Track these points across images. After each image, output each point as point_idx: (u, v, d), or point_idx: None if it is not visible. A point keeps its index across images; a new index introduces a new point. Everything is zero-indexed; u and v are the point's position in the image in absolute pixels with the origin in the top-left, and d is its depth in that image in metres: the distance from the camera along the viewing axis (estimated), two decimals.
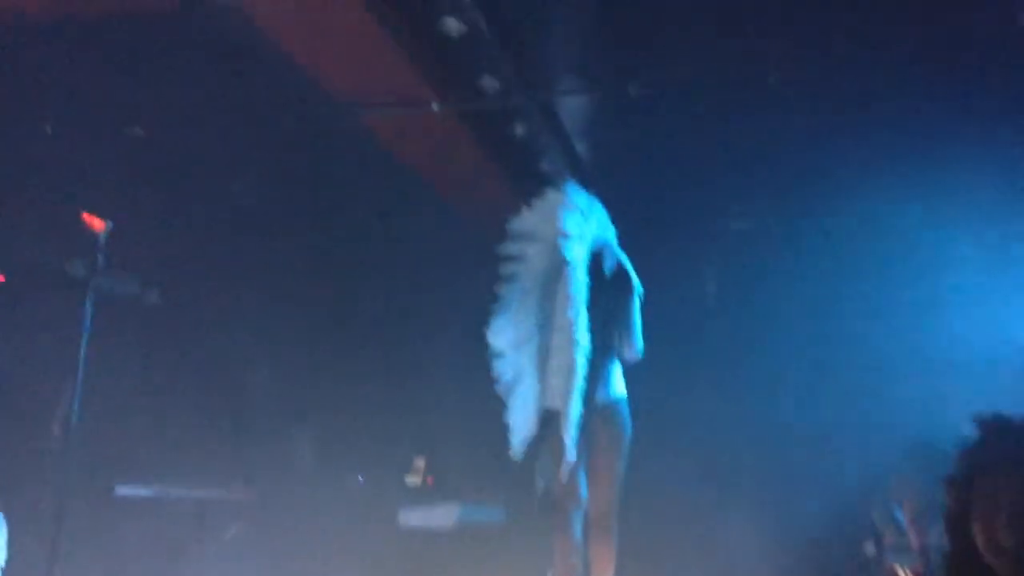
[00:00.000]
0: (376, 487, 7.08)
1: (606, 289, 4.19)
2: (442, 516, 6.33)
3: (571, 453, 4.03)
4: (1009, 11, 3.92)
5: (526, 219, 4.26)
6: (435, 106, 5.15)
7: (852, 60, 4.78)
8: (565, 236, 4.12)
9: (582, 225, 4.21)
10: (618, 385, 4.26)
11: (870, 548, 5.47)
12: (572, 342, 4.01)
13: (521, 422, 4.16)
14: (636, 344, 4.21)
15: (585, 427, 4.04)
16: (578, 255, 4.15)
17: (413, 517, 6.43)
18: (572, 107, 5.88)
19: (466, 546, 6.31)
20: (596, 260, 4.26)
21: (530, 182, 6.46)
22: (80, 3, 4.61)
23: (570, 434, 4.03)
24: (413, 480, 7.47)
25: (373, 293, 7.82)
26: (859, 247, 6.96)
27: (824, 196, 6.56)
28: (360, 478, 7.14)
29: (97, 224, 4.11)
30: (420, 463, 7.54)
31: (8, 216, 5.91)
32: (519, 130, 5.84)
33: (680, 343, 7.34)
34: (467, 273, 7.12)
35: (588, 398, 4.05)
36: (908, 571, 4.98)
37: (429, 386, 7.35)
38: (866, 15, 4.37)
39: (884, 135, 5.56)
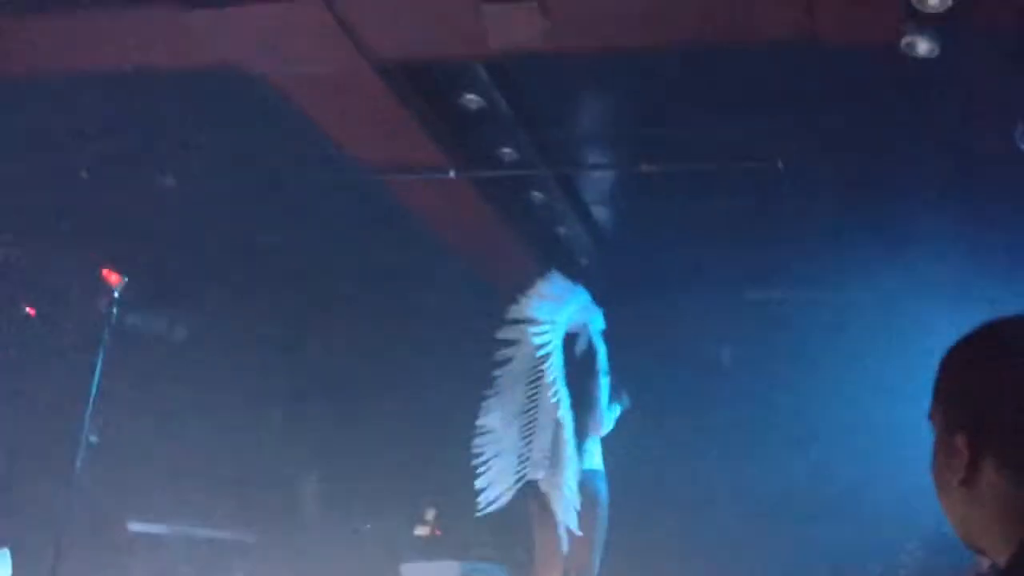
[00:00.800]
0: (382, 537, 7.17)
1: (575, 371, 4.54)
2: (444, 572, 6.40)
3: (571, 520, 4.26)
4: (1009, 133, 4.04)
5: (520, 307, 4.55)
6: (452, 173, 5.31)
7: (857, 148, 4.88)
8: (535, 324, 4.49)
9: (555, 312, 4.53)
10: (592, 458, 4.53)
11: None
12: (557, 421, 4.26)
13: (496, 491, 4.47)
14: (600, 422, 4.56)
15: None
16: (549, 341, 4.46)
17: (416, 572, 6.50)
18: (588, 178, 6.02)
19: None
20: (569, 343, 4.53)
21: (547, 247, 6.62)
22: (118, 59, 4.82)
23: (564, 503, 4.27)
24: (422, 531, 7.56)
25: (392, 345, 7.96)
26: (874, 322, 6.97)
27: (835, 272, 6.62)
28: (368, 526, 7.24)
29: (114, 279, 4.29)
30: (430, 515, 7.63)
31: (40, 254, 6.14)
32: (536, 198, 5.98)
33: (694, 411, 7.42)
34: (483, 331, 7.26)
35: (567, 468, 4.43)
36: None
37: (441, 440, 7.44)
38: (871, 112, 4.47)
39: (889, 216, 5.64)
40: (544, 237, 6.59)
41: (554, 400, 4.40)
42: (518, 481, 4.48)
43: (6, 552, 4.78)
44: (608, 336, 7.47)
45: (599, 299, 7.59)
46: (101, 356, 4.28)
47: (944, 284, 6.11)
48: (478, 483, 4.51)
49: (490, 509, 4.50)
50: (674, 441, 7.53)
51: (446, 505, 7.53)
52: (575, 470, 4.39)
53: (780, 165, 4.88)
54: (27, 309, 6.13)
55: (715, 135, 5.05)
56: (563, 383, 4.46)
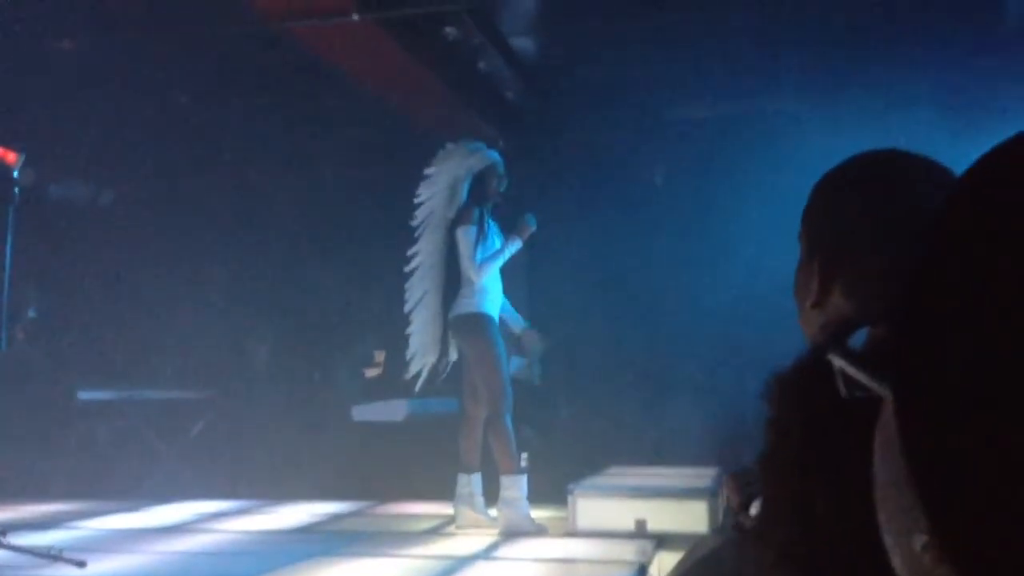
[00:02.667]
0: (333, 383, 7.35)
1: (451, 229, 4.81)
2: (392, 410, 6.61)
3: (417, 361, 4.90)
4: None
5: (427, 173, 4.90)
6: (356, 16, 5.14)
7: None
8: (420, 200, 4.88)
9: (431, 187, 4.86)
10: (462, 304, 4.75)
11: None
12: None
13: (419, 361, 4.92)
14: (470, 268, 4.71)
15: (447, 341, 4.86)
16: (422, 222, 4.86)
17: (366, 412, 6.72)
18: (499, 9, 5.86)
19: (419, 436, 6.60)
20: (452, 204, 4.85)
21: (471, 84, 6.52)
22: None
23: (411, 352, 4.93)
24: (372, 373, 7.75)
25: (330, 194, 7.94)
26: (798, 132, 6.99)
27: (760, 85, 6.60)
28: (316, 374, 7.41)
29: (11, 157, 4.18)
30: (379, 357, 7.80)
31: None
32: (450, 33, 5.82)
33: (629, 230, 7.57)
34: (419, 173, 7.24)
35: (442, 317, 4.83)
36: None
37: (387, 285, 7.54)
38: None
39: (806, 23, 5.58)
40: (466, 75, 6.47)
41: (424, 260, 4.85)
42: (435, 344, 4.86)
43: None
44: (529, 170, 7.54)
45: (530, 130, 7.63)
46: (10, 236, 4.21)
47: (872, 89, 6.14)
48: (407, 353, 4.93)
49: (421, 378, 4.92)
50: (615, 256, 7.74)
51: (396, 346, 7.70)
52: (427, 322, 4.82)
53: None
54: None
55: None
56: (439, 247, 4.81)
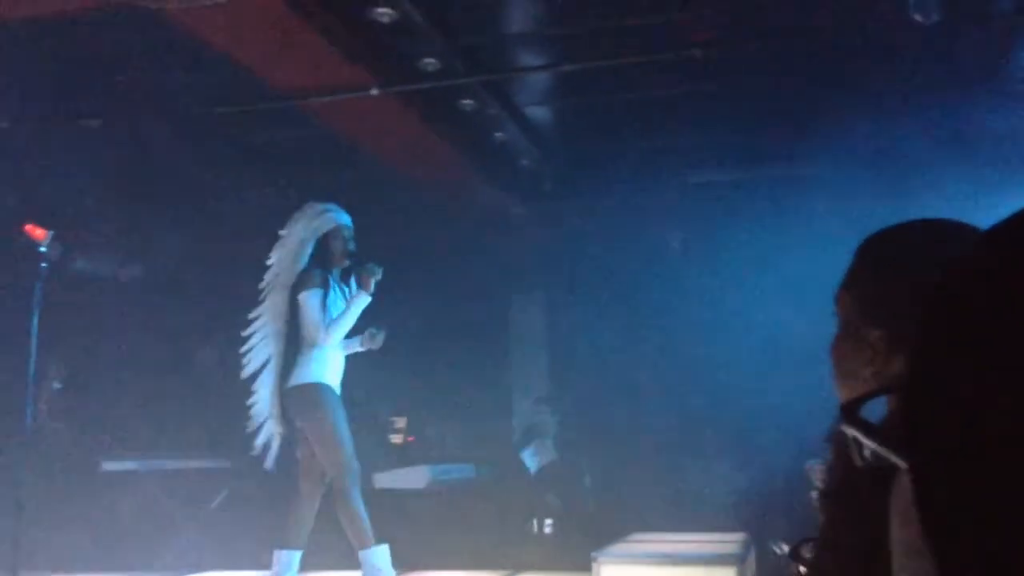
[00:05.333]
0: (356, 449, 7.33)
1: (292, 294, 4.64)
2: (414, 477, 6.59)
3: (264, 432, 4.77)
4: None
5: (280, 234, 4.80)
6: (375, 91, 5.25)
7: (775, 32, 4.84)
8: (270, 263, 4.77)
9: (281, 249, 4.73)
10: (298, 374, 4.57)
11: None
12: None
13: (264, 435, 4.76)
14: (310, 336, 4.52)
15: (285, 413, 4.66)
16: (272, 279, 4.74)
17: (388, 479, 6.70)
18: (515, 81, 5.97)
19: (442, 503, 6.59)
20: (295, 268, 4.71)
21: (487, 154, 6.63)
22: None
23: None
24: (396, 439, 7.76)
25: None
26: (812, 198, 7.01)
27: (770, 151, 6.65)
28: None
29: (39, 233, 4.29)
30: (401, 423, 7.81)
31: None
32: (467, 106, 5.93)
33: (646, 296, 7.57)
34: (440, 240, 7.32)
35: (279, 387, 4.64)
36: None
37: (406, 350, 7.56)
38: None
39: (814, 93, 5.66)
40: (482, 144, 6.57)
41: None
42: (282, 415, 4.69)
43: None
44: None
45: (547, 196, 7.71)
46: (37, 312, 4.31)
47: (887, 153, 6.18)
48: (253, 423, 4.76)
49: (271, 451, 4.73)
50: (634, 320, 7.74)
51: (417, 412, 7.72)
52: (274, 392, 4.64)
53: (698, 54, 4.85)
54: None
55: (633, 27, 5.00)
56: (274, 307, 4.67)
